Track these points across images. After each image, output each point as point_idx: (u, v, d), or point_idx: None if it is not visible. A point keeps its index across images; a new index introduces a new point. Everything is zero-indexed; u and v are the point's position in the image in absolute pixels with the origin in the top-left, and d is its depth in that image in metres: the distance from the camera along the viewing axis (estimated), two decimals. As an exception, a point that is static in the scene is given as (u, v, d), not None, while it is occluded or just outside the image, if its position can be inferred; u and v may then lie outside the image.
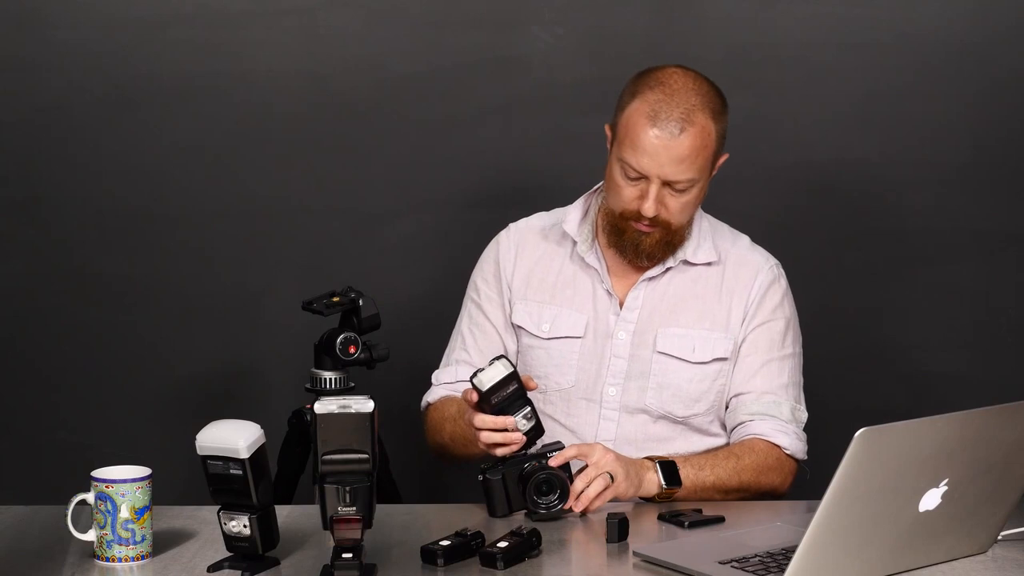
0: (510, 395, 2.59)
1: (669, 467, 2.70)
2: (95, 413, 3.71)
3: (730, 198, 3.51)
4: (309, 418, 2.96)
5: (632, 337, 2.87)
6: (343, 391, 3.08)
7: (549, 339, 2.90)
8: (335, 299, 3.08)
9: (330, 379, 3.09)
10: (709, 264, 2.89)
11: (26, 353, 3.72)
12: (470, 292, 3.02)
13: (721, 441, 2.90)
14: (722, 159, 2.86)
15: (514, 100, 3.63)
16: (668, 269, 2.89)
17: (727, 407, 2.88)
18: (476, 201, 3.65)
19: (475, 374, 2.60)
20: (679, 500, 2.70)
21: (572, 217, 2.95)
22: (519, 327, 2.94)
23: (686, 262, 2.89)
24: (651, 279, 2.89)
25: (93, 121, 3.65)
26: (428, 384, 3.04)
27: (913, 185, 3.64)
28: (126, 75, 3.64)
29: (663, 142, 2.75)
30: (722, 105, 2.83)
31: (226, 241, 3.69)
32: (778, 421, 2.83)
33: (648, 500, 2.70)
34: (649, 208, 2.78)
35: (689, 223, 2.87)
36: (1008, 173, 3.64)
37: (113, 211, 3.68)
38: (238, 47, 3.64)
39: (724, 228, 2.98)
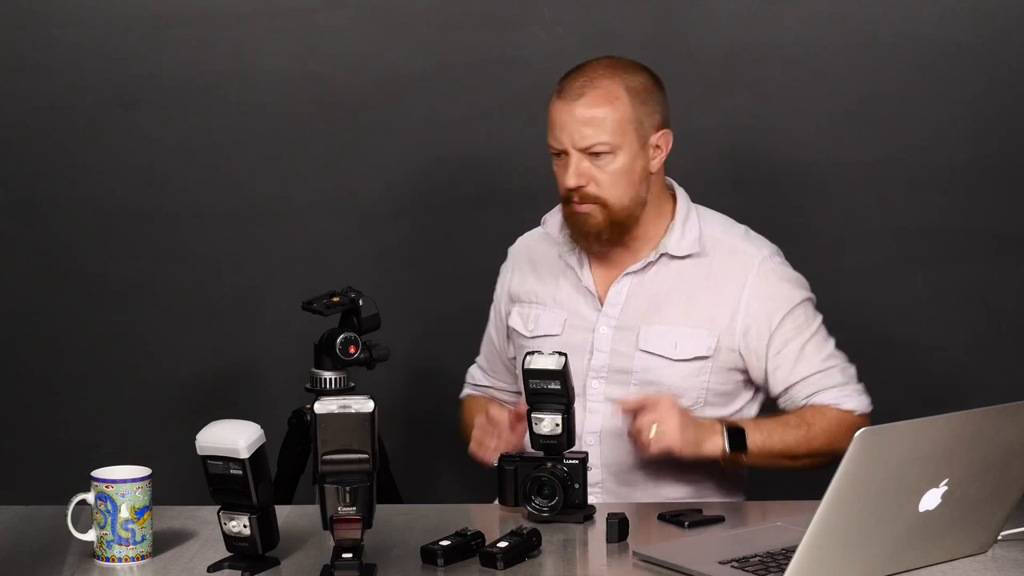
0: (548, 392, 2.59)
1: (737, 433, 2.72)
2: (95, 413, 3.71)
3: (730, 198, 3.52)
4: (309, 418, 2.96)
5: (614, 332, 2.87)
6: (343, 391, 3.08)
7: (532, 337, 2.92)
8: (335, 299, 3.08)
9: (330, 379, 3.09)
10: (694, 256, 2.87)
11: (26, 353, 3.72)
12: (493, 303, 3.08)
13: None
14: (659, 134, 2.83)
15: (514, 100, 3.63)
16: (650, 263, 2.87)
17: (778, 399, 2.89)
18: (476, 201, 3.65)
19: (532, 352, 2.61)
20: (745, 465, 2.76)
21: (553, 220, 2.97)
22: (513, 329, 2.98)
23: (668, 255, 2.87)
24: (633, 274, 2.88)
25: (93, 121, 3.65)
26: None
27: (913, 185, 3.64)
28: (126, 75, 3.64)
29: (567, 108, 2.80)
30: (644, 78, 2.83)
31: (226, 241, 3.69)
32: (837, 388, 2.85)
33: (713, 462, 2.73)
34: (570, 178, 2.80)
35: (638, 203, 2.83)
36: (1008, 173, 3.64)
37: (113, 211, 3.68)
38: (238, 47, 3.64)
39: (716, 218, 2.93)
